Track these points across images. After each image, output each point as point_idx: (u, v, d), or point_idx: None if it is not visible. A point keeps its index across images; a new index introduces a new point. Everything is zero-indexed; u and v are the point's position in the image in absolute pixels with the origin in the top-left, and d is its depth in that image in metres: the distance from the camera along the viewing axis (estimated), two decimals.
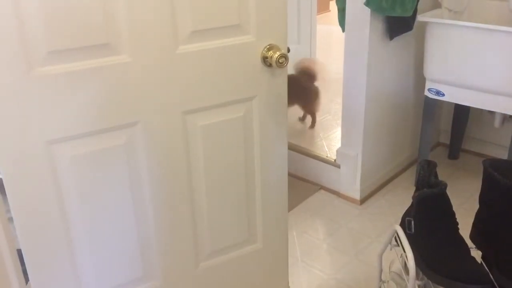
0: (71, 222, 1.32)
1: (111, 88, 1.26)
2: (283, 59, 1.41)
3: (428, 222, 1.23)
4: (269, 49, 1.43)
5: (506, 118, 2.62)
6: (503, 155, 2.74)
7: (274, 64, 1.42)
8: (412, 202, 1.28)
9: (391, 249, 1.39)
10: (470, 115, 2.83)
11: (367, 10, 2.23)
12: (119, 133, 1.31)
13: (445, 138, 3.01)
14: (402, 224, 1.33)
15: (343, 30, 2.42)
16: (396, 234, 1.30)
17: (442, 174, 2.74)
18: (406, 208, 2.49)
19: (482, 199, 1.29)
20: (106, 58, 1.23)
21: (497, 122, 2.65)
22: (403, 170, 2.83)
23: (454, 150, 2.91)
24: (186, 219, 1.51)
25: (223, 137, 1.48)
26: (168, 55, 1.30)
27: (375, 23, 2.29)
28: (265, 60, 1.44)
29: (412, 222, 1.26)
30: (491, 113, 2.62)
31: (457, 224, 1.25)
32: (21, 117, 1.18)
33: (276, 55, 1.40)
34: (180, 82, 1.35)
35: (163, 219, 1.47)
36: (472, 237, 1.33)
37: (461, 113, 2.80)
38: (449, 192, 2.64)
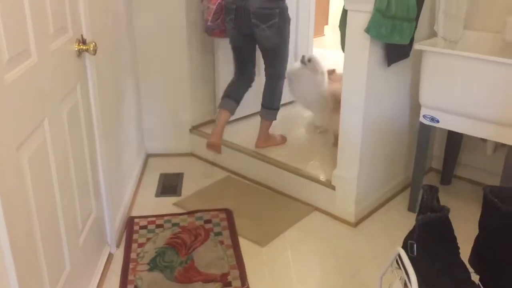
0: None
1: (32, 88, 1.48)
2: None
3: (430, 246, 1.26)
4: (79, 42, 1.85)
5: (498, 146, 2.67)
6: (495, 182, 2.79)
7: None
8: (415, 225, 1.31)
9: (392, 272, 1.41)
10: (463, 142, 2.88)
11: (367, 37, 2.29)
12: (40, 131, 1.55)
13: (437, 164, 3.06)
14: (404, 247, 1.36)
15: None
16: (398, 257, 1.32)
17: None
18: (400, 231, 2.50)
19: (482, 225, 1.32)
20: (23, 64, 1.42)
21: (489, 150, 2.71)
22: (397, 193, 2.87)
23: (447, 176, 2.96)
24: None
25: (76, 123, 1.90)
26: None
27: (374, 49, 2.35)
28: (80, 51, 1.85)
29: (415, 245, 1.28)
30: (483, 140, 2.68)
31: (459, 248, 1.28)
32: None
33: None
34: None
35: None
36: (471, 262, 1.36)
37: (454, 139, 2.86)
38: None
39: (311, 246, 2.44)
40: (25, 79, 1.42)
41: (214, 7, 2.74)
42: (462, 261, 1.29)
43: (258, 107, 3.55)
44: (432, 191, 1.29)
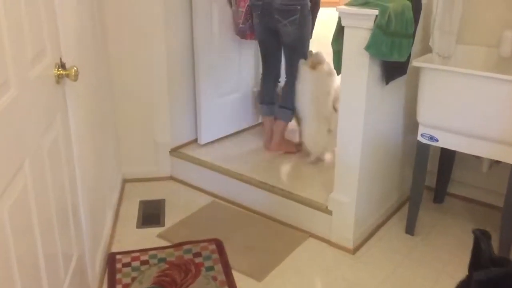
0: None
1: (13, 125, 1.28)
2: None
3: None
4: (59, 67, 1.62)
5: (493, 163, 2.61)
6: (490, 200, 2.73)
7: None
8: (469, 279, 1.17)
9: None
10: (456, 159, 2.80)
11: (365, 55, 2.16)
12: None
13: (430, 181, 2.96)
14: None
15: (339, 73, 2.34)
16: None
17: (427, 218, 2.70)
18: (400, 256, 2.39)
19: None
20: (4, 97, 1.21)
21: (484, 167, 2.63)
22: (392, 215, 2.76)
23: (440, 193, 2.87)
24: None
25: (56, 158, 1.66)
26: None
27: (372, 68, 2.23)
28: (59, 77, 1.61)
29: None
30: (477, 157, 2.60)
31: None
32: None
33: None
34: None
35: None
36: None
37: (447, 156, 2.77)
38: (436, 237, 2.56)
39: (310, 278, 2.28)
40: (6, 115, 1.20)
41: (244, 10, 2.98)
42: None
43: (240, 126, 3.40)
44: (486, 236, 1.16)
